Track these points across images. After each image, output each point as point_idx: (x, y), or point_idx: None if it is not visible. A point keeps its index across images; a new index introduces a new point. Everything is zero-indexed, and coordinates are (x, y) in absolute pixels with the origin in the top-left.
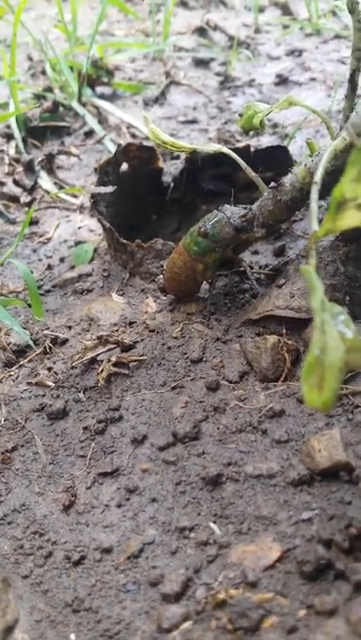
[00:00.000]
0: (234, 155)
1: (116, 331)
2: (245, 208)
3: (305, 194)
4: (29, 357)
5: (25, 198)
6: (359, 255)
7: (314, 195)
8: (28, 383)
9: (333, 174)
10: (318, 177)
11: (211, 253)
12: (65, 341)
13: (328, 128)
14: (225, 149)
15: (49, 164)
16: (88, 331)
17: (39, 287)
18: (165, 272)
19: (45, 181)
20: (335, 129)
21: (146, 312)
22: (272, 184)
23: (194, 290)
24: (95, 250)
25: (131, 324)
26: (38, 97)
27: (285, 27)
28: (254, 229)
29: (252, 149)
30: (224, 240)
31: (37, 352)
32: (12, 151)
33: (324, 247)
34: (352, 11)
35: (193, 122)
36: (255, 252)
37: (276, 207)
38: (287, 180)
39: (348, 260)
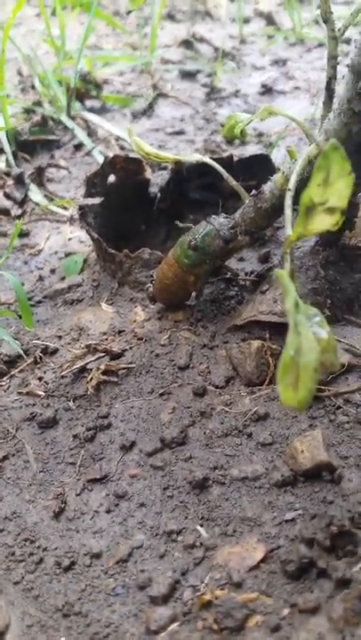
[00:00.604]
0: (215, 164)
1: (105, 339)
2: (230, 217)
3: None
4: (20, 367)
5: (15, 211)
6: (339, 259)
7: (288, 201)
8: (19, 393)
9: (308, 180)
10: (292, 183)
11: (201, 265)
12: (55, 351)
13: (308, 136)
14: (206, 159)
15: (39, 177)
16: (78, 340)
17: (30, 298)
18: (155, 282)
19: (35, 194)
20: (317, 136)
21: (134, 321)
22: (253, 192)
23: (184, 298)
24: (85, 261)
25: (120, 332)
26: (28, 111)
27: (270, 37)
28: (238, 237)
29: (235, 159)
30: (214, 252)
31: (28, 362)
32: (2, 165)
33: (305, 252)
34: (326, 20)
35: (180, 133)
36: (241, 259)
37: (257, 214)
38: (267, 187)
39: (329, 265)
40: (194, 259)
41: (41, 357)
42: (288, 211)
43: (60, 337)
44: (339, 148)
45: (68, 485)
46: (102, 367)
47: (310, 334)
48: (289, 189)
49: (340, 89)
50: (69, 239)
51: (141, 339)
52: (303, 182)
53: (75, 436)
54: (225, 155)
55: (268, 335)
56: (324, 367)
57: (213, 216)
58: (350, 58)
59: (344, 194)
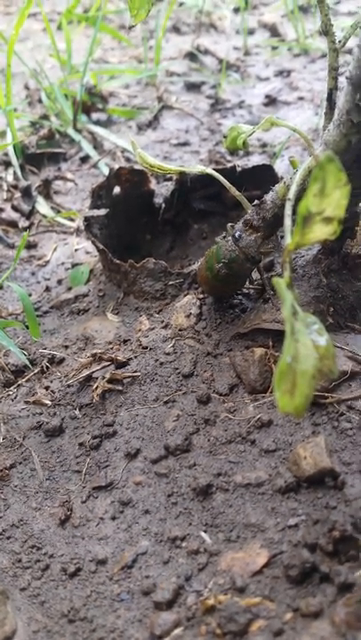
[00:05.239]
0: (218, 175)
1: (111, 348)
2: (258, 235)
3: None
4: (27, 377)
5: (23, 223)
6: (341, 267)
7: (287, 211)
8: (26, 402)
9: None
10: (292, 193)
11: (235, 283)
12: (62, 360)
13: (309, 146)
14: (209, 170)
15: (46, 190)
16: (84, 349)
17: (37, 309)
18: (200, 284)
19: (43, 206)
20: (318, 147)
21: (139, 330)
22: (255, 202)
23: (231, 294)
24: (91, 271)
25: (125, 341)
26: (35, 124)
27: (274, 48)
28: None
29: (238, 169)
30: (245, 274)
31: (35, 371)
32: (10, 178)
33: (308, 261)
34: (326, 32)
35: (185, 144)
36: None
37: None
38: (269, 197)
39: (331, 273)
40: (224, 281)
41: (47, 367)
42: (288, 220)
43: (66, 346)
44: (334, 160)
45: (73, 493)
46: (108, 376)
47: (308, 341)
48: (289, 199)
49: (340, 100)
50: (76, 250)
51: (146, 347)
52: (303, 192)
53: (80, 445)
54: (228, 165)
55: (271, 343)
56: (322, 374)
57: (239, 233)
58: (348, 70)
59: (340, 204)
